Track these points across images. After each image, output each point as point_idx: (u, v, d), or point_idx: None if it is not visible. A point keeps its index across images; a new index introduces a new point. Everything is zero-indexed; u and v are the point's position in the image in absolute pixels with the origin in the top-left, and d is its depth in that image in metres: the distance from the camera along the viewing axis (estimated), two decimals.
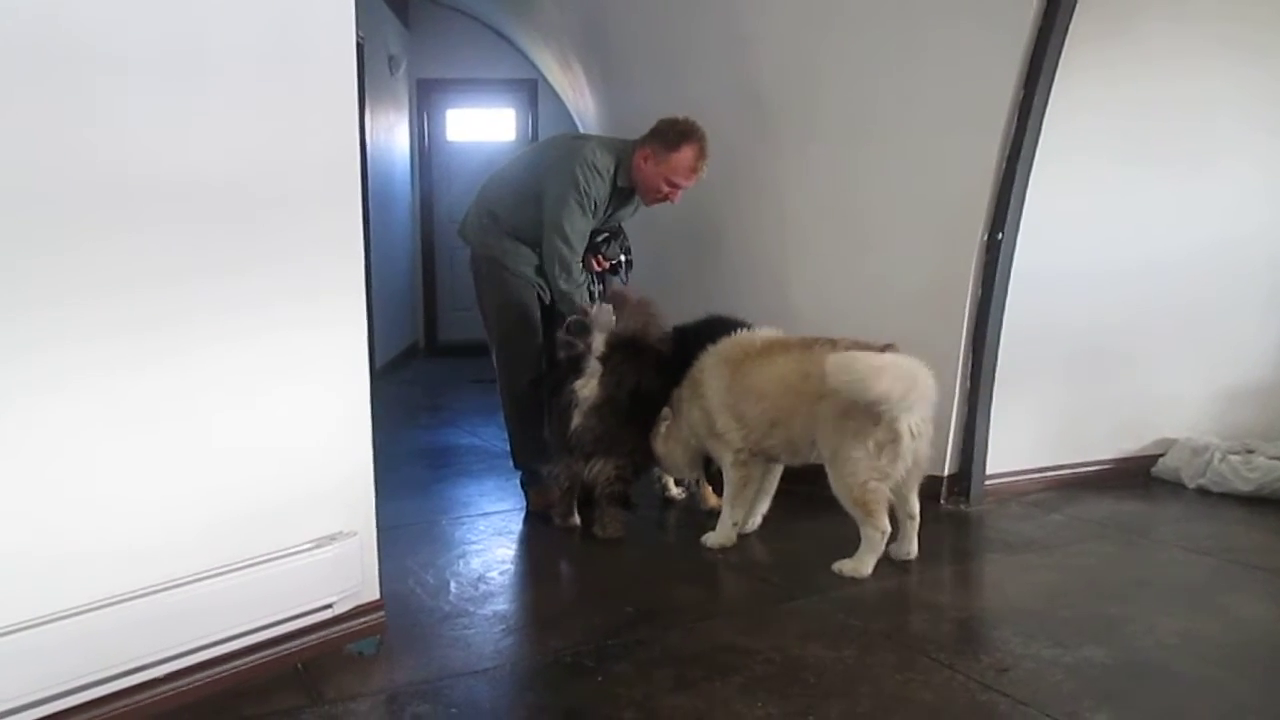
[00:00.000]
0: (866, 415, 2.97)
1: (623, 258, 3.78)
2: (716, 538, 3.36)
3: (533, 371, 3.66)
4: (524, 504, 3.82)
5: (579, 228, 3.51)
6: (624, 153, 3.59)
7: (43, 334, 1.91)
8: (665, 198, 3.59)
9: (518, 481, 3.87)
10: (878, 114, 3.81)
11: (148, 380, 2.08)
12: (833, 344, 3.11)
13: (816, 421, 3.10)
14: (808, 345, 3.18)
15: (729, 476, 3.34)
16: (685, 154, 3.47)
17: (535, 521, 3.70)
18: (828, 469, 3.12)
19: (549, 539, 3.57)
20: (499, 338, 3.71)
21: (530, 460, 3.73)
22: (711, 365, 3.33)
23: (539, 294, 3.66)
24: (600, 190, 3.51)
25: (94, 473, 2.02)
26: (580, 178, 3.48)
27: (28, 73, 1.84)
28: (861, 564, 3.09)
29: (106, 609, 2.01)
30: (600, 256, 3.71)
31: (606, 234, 3.71)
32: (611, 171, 3.54)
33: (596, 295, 3.71)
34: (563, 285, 3.52)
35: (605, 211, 3.62)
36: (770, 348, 3.26)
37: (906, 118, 3.73)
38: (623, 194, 3.65)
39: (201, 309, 2.15)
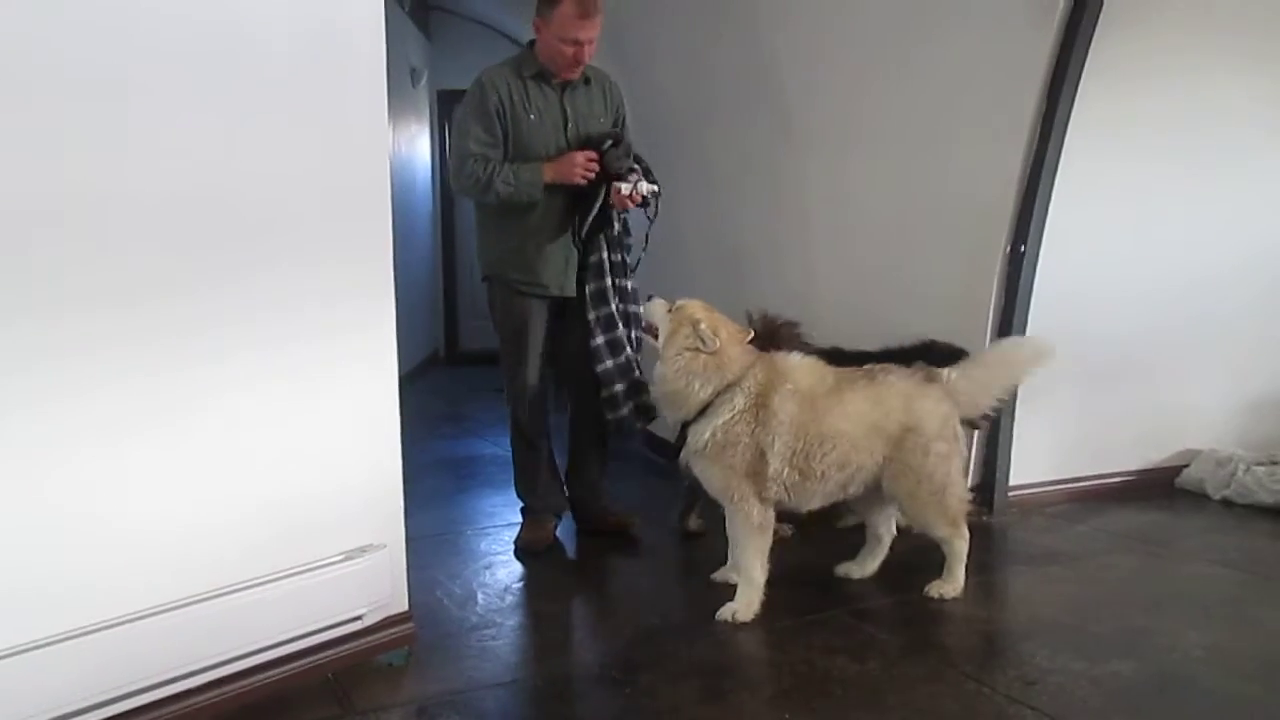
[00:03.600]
0: (955, 435, 2.95)
1: (636, 175, 3.35)
2: (745, 610, 2.83)
3: (529, 402, 3.47)
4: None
5: (463, 134, 3.35)
6: (525, 51, 3.45)
7: (103, 375, 1.98)
8: (574, 59, 3.29)
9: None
10: (901, 125, 3.82)
11: (195, 407, 2.13)
12: (888, 372, 2.96)
13: (898, 456, 2.89)
14: (870, 376, 2.95)
15: (752, 527, 2.85)
16: (564, 6, 3.21)
17: (565, 537, 3.67)
18: (910, 502, 2.95)
19: (574, 551, 3.59)
20: (504, 367, 3.56)
21: (523, 493, 3.63)
22: (787, 401, 2.87)
23: (549, 303, 3.45)
24: (488, 93, 3.31)
25: (131, 487, 2.05)
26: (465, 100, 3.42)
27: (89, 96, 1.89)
28: (956, 580, 3.01)
29: (144, 620, 2.04)
30: (614, 175, 3.31)
31: (609, 139, 3.34)
32: (509, 71, 3.37)
33: (618, 226, 3.44)
34: (455, 187, 3.48)
35: (528, 106, 3.34)
36: (839, 384, 2.93)
37: (930, 130, 3.74)
38: (545, 78, 3.37)
39: (239, 348, 2.21)
